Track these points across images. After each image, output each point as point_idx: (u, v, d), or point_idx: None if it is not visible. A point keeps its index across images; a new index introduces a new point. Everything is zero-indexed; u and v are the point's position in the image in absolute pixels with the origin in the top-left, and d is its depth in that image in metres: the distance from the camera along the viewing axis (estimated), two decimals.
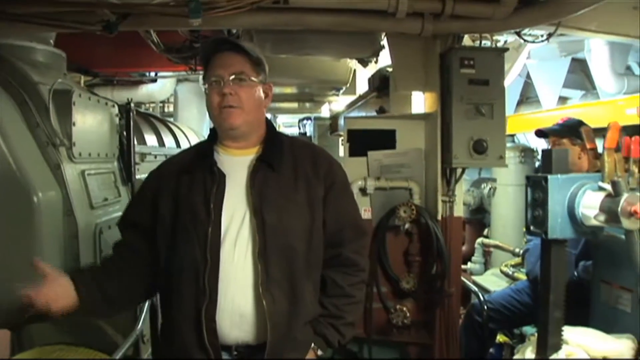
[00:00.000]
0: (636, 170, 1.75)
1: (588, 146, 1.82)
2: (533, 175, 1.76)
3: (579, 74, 5.57)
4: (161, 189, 1.87)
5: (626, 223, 1.55)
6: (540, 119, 4.76)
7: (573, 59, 5.49)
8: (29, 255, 2.23)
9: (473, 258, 6.39)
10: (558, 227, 1.69)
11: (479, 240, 6.30)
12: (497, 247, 5.78)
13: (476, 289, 3.70)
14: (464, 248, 7.02)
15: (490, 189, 6.34)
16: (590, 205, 1.65)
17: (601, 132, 1.91)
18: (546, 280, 1.75)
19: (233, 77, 1.80)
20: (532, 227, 1.77)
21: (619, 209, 1.54)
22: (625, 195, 1.55)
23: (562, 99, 6.39)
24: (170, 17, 2.29)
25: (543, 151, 1.79)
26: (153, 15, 2.36)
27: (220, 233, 1.75)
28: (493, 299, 3.57)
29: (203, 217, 1.76)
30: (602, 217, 1.61)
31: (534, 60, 5.76)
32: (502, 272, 4.86)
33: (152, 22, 2.55)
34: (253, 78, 1.85)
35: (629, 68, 5.65)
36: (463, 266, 6.29)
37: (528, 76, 6.21)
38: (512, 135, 5.81)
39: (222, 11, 2.16)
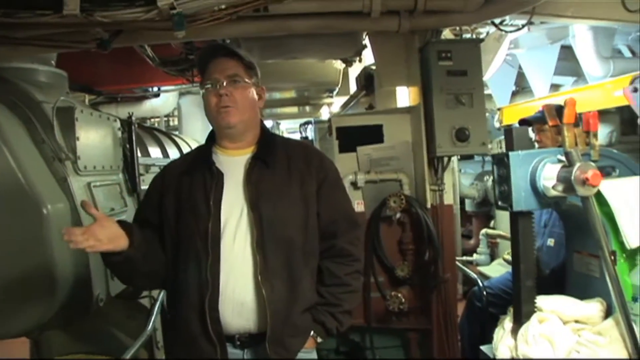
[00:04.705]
0: (596, 143, 1.86)
1: (550, 123, 1.93)
2: (496, 153, 1.88)
3: (571, 61, 5.61)
4: (165, 190, 2.01)
5: (581, 190, 1.66)
6: (534, 107, 4.82)
7: (563, 46, 5.56)
8: (40, 265, 2.37)
9: (478, 249, 6.45)
10: (522, 200, 1.81)
11: (483, 231, 6.36)
12: (500, 236, 5.85)
13: (474, 275, 3.80)
14: (471, 242, 7.11)
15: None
16: (549, 177, 1.77)
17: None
18: (516, 251, 1.87)
19: (228, 79, 1.94)
20: (499, 202, 1.88)
21: (573, 177, 1.65)
22: (578, 165, 1.67)
23: (555, 87, 6.44)
24: (159, 32, 2.40)
25: (505, 130, 1.91)
26: (143, 31, 2.49)
27: (220, 227, 1.87)
28: (492, 284, 3.66)
29: (203, 213, 1.88)
30: (560, 187, 1.71)
31: (522, 50, 5.85)
32: (505, 260, 4.93)
33: (143, 37, 2.68)
34: (247, 80, 1.98)
35: (619, 52, 5.71)
36: (469, 258, 6.37)
37: (521, 67, 6.30)
38: (509, 126, 5.88)
39: (204, 22, 2.30)
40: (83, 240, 1.73)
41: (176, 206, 1.96)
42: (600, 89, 4.38)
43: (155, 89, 5.95)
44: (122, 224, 1.88)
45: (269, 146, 2.03)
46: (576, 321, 1.88)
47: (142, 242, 1.90)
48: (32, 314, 2.40)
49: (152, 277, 2.03)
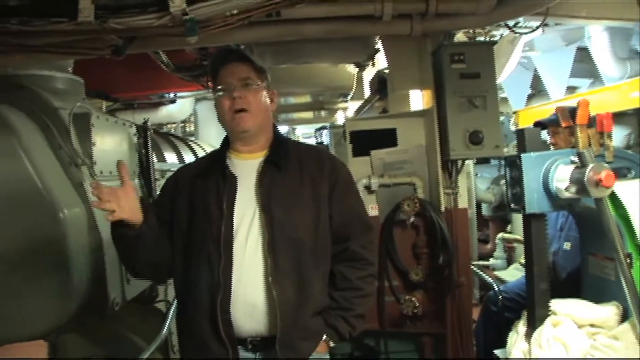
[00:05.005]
0: (610, 143, 1.84)
1: (563, 124, 1.91)
2: (509, 155, 1.87)
3: (587, 63, 5.54)
4: (177, 193, 2.02)
5: (594, 192, 1.64)
6: (550, 110, 4.77)
7: (579, 48, 5.49)
8: (57, 268, 2.40)
9: (494, 254, 6.39)
10: (535, 202, 1.79)
11: (500, 235, 6.30)
12: (517, 241, 5.79)
13: (490, 279, 3.78)
14: (488, 246, 7.04)
15: None
16: (562, 178, 1.75)
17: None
18: (529, 253, 1.85)
19: (241, 82, 1.95)
20: (512, 205, 1.87)
21: (586, 178, 1.64)
22: (591, 166, 1.65)
23: (571, 89, 6.36)
24: (172, 37, 2.44)
25: (517, 132, 1.90)
26: (156, 37, 2.53)
27: (233, 230, 1.88)
28: (508, 289, 3.63)
29: (216, 215, 1.89)
30: (572, 189, 1.70)
31: (537, 52, 5.79)
32: (521, 264, 4.87)
33: (157, 43, 2.71)
34: (259, 83, 2.00)
35: (636, 52, 5.63)
36: (485, 262, 6.32)
37: (536, 69, 6.24)
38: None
39: (216, 28, 2.32)
40: (106, 201, 1.73)
41: (189, 209, 1.97)
42: (617, 91, 4.33)
43: (172, 95, 5.97)
44: (140, 201, 1.88)
45: (281, 149, 2.04)
46: (591, 325, 1.86)
47: (155, 225, 1.91)
48: (49, 316, 2.42)
49: (155, 267, 2.00)
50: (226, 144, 2.10)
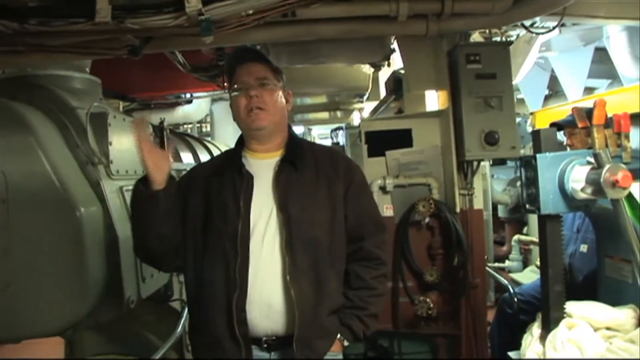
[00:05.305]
0: (628, 144, 1.81)
1: (580, 125, 1.89)
2: (524, 155, 1.86)
3: (606, 63, 5.46)
4: (191, 190, 2.04)
5: (610, 193, 1.62)
6: (567, 111, 4.71)
7: (597, 48, 5.42)
8: (73, 266, 2.42)
9: (510, 256, 6.35)
10: (550, 202, 1.78)
11: (515, 237, 6.26)
12: (533, 243, 5.74)
13: (505, 281, 3.75)
14: (504, 248, 6.98)
15: None
16: (578, 179, 1.73)
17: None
18: (544, 255, 1.83)
19: (257, 82, 1.97)
20: (527, 206, 1.86)
21: (602, 179, 1.62)
22: (607, 166, 1.63)
23: (589, 90, 6.28)
24: (188, 38, 2.45)
25: (532, 132, 1.88)
26: (172, 37, 2.54)
27: (249, 228, 1.90)
28: (524, 291, 3.60)
29: (233, 213, 1.91)
30: (589, 190, 1.68)
31: (554, 53, 5.73)
32: (537, 266, 4.84)
33: (173, 43, 2.72)
34: (275, 83, 2.02)
35: None
36: (501, 264, 6.27)
37: (553, 70, 6.17)
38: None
39: (231, 28, 2.33)
40: (141, 138, 1.86)
41: (205, 207, 1.99)
42: (636, 92, 4.25)
43: (188, 95, 6.01)
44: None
45: (296, 149, 2.05)
46: (607, 328, 1.84)
47: (172, 197, 1.95)
48: (66, 313, 2.45)
49: (162, 242, 1.99)
50: (241, 143, 2.11)
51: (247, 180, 1.96)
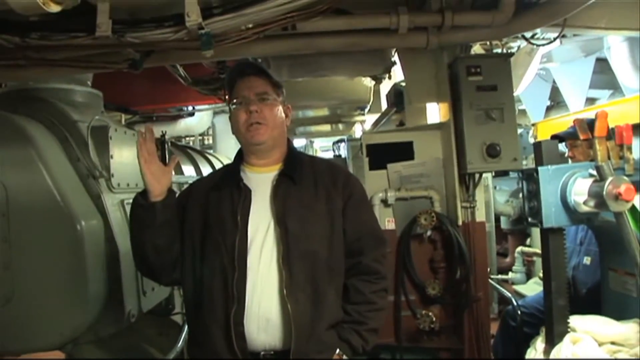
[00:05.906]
0: (630, 156, 1.80)
1: (582, 137, 1.88)
2: (526, 168, 1.84)
3: (607, 74, 5.47)
4: (190, 205, 2.04)
5: (613, 206, 1.61)
6: (569, 122, 4.71)
7: (598, 59, 5.43)
8: (74, 279, 2.42)
9: (514, 267, 6.31)
10: (552, 216, 1.76)
11: (519, 249, 6.23)
12: (536, 254, 5.71)
13: (509, 294, 3.72)
14: (507, 260, 6.96)
15: None
16: (580, 192, 1.72)
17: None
18: (547, 268, 1.81)
19: (257, 96, 1.98)
20: (529, 219, 1.84)
21: (604, 192, 1.60)
22: (610, 179, 1.62)
23: (590, 100, 6.28)
24: (188, 51, 2.45)
25: (534, 145, 1.87)
26: (173, 51, 2.55)
27: (247, 242, 1.89)
28: (527, 303, 3.58)
29: (231, 228, 1.90)
30: (591, 202, 1.67)
31: (556, 64, 5.74)
32: (540, 278, 4.79)
33: (173, 57, 2.73)
34: (275, 97, 2.02)
35: None
36: (504, 276, 6.23)
37: (555, 81, 6.17)
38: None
39: (231, 42, 2.33)
40: (145, 148, 1.87)
41: (203, 221, 1.98)
42: (637, 102, 4.25)
43: (190, 108, 6.03)
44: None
45: (295, 163, 2.05)
46: (612, 342, 1.81)
47: (170, 211, 1.95)
48: (66, 327, 2.45)
49: (159, 253, 1.97)
50: (240, 157, 2.11)
51: (245, 195, 1.95)
